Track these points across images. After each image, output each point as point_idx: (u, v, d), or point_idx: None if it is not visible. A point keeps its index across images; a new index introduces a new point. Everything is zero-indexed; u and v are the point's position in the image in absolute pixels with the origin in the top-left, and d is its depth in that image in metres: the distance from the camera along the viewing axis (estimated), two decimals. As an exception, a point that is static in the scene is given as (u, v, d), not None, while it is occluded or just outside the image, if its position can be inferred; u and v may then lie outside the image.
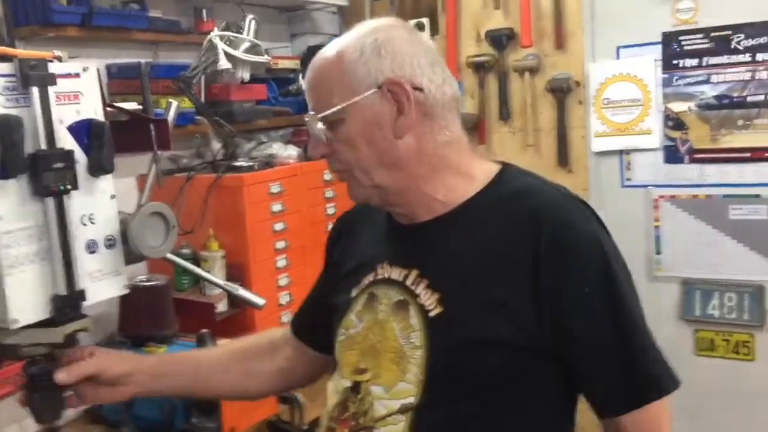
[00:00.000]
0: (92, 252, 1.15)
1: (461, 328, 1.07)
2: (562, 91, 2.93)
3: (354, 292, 1.21)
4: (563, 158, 2.97)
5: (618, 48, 2.83)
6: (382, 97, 1.09)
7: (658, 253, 2.85)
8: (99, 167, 1.14)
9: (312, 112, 1.13)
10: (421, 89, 1.10)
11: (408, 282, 1.13)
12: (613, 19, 2.82)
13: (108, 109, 1.25)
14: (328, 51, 1.13)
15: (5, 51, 1.05)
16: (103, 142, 1.13)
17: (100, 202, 1.16)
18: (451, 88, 1.15)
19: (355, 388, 1.14)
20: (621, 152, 2.89)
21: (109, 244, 1.18)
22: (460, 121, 1.17)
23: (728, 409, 2.77)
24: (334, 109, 1.10)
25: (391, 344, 1.12)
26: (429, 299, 1.10)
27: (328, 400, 1.20)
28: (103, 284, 1.16)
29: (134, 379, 1.27)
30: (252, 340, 1.46)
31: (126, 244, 1.20)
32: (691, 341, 2.82)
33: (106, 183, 1.17)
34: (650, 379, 1.08)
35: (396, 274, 1.16)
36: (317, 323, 1.33)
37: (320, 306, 1.34)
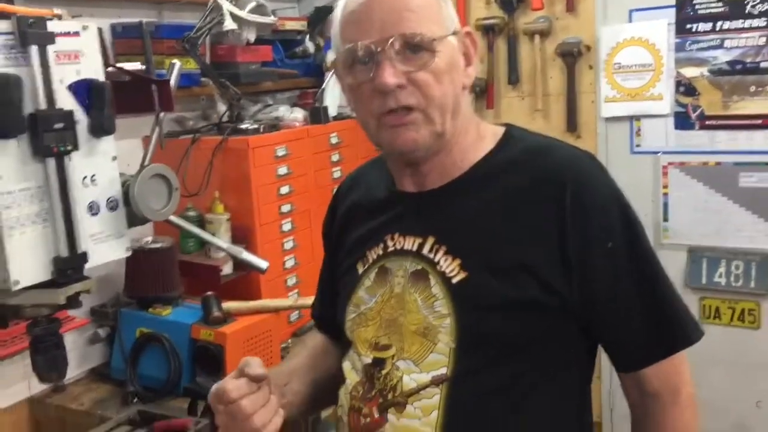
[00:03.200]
0: (94, 214, 1.15)
1: (488, 291, 1.04)
2: (572, 56, 2.88)
3: (360, 269, 1.18)
4: (572, 123, 2.93)
5: (630, 11, 2.77)
6: (458, 42, 1.09)
7: (666, 220, 2.83)
8: (100, 128, 1.13)
9: (396, 35, 1.02)
10: None
11: (424, 251, 1.10)
12: (625, -19, 2.77)
13: (109, 69, 1.24)
14: None
15: (3, 8, 1.04)
16: (104, 102, 1.12)
17: (101, 164, 1.15)
18: None
19: (378, 363, 1.10)
20: (631, 118, 2.85)
21: (111, 206, 1.18)
22: None
23: (733, 376, 2.77)
24: (437, 36, 1.04)
25: (414, 316, 1.08)
26: (450, 266, 1.07)
27: (347, 379, 1.16)
28: (105, 246, 1.16)
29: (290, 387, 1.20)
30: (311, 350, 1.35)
31: (129, 206, 1.20)
32: (697, 309, 2.81)
33: (108, 144, 1.16)
34: (677, 329, 1.08)
35: (409, 243, 1.12)
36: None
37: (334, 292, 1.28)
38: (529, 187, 1.07)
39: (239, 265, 2.28)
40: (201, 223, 2.35)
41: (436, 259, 1.08)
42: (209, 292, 2.07)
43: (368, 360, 1.11)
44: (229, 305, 2.07)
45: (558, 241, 1.04)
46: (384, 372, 1.09)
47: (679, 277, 2.81)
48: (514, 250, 1.05)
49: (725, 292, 2.76)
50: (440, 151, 1.10)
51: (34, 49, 1.03)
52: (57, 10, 1.13)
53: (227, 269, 2.34)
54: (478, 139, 1.14)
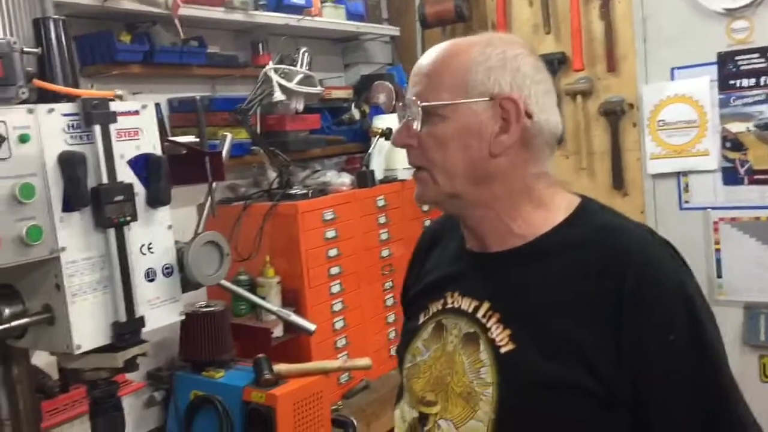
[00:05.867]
0: (151, 280, 1.20)
1: (533, 367, 1.02)
2: (615, 114, 2.91)
3: (421, 319, 1.20)
4: (618, 181, 2.93)
5: (672, 69, 2.81)
6: (492, 109, 1.07)
7: (719, 276, 2.78)
8: (157, 199, 1.19)
9: (413, 97, 1.09)
10: (530, 116, 1.08)
11: (479, 314, 1.10)
12: (666, 41, 2.80)
13: (166, 143, 1.31)
14: (453, 45, 1.12)
15: (70, 91, 1.12)
16: (161, 175, 1.19)
17: (158, 232, 1.21)
18: (556, 127, 1.13)
19: (423, 419, 1.12)
20: (678, 174, 2.85)
21: (167, 272, 1.23)
22: (552, 160, 1.15)
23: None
24: (440, 102, 1.07)
25: (460, 378, 1.09)
26: (500, 334, 1.06)
27: (396, 429, 1.18)
28: (160, 311, 1.21)
29: None
30: None
31: (183, 272, 1.26)
32: (757, 367, 2.73)
33: (164, 214, 1.22)
34: None
35: (466, 304, 1.13)
36: None
37: None
38: (591, 268, 1.04)
39: (289, 327, 2.32)
40: (252, 286, 2.41)
41: (488, 325, 1.08)
42: (260, 355, 2.11)
43: (415, 414, 1.13)
44: (279, 367, 2.10)
45: (613, 330, 0.99)
46: (427, 429, 1.11)
47: (736, 334, 2.75)
48: (566, 330, 1.02)
49: (786, 349, 2.69)
50: (477, 210, 1.12)
51: (97, 128, 1.11)
52: (118, 92, 1.21)
53: (278, 332, 2.38)
54: (542, 209, 1.12)
